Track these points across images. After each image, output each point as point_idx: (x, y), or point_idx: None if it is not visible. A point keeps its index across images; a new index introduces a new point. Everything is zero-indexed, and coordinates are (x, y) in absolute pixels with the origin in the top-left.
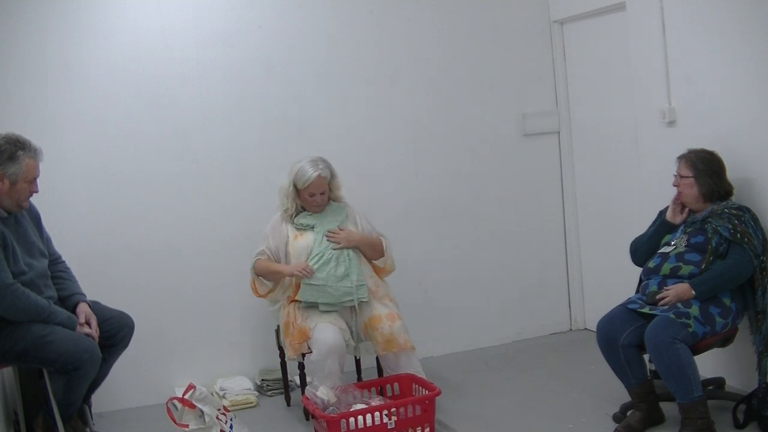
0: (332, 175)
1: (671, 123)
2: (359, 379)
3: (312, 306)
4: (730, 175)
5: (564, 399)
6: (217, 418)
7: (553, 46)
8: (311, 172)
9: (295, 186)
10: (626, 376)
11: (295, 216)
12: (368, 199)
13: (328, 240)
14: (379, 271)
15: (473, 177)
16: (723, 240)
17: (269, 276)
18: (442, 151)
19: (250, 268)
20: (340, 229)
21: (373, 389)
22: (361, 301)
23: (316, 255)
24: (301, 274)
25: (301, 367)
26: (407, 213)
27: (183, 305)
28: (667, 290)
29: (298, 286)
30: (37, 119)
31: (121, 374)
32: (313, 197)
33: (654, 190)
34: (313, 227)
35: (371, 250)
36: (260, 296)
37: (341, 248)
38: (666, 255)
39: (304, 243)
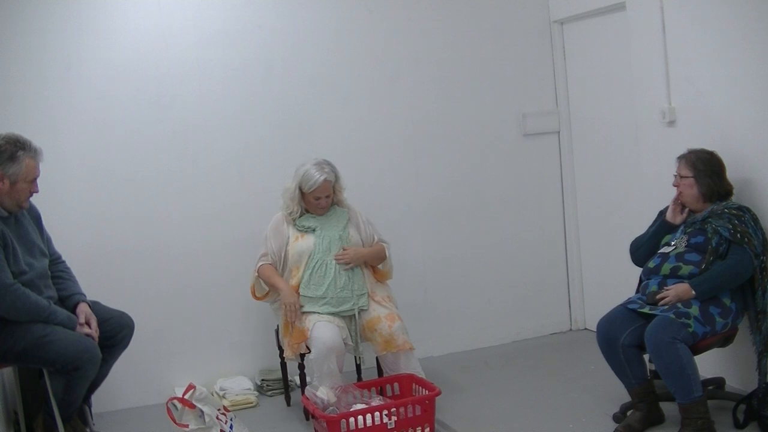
0: (336, 178)
1: (671, 123)
2: (359, 379)
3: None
4: (730, 175)
5: (564, 399)
6: (217, 418)
7: (553, 46)
8: (318, 176)
9: (300, 189)
10: (626, 376)
11: (298, 217)
12: (368, 199)
13: (337, 261)
14: (378, 275)
15: (473, 177)
16: (723, 240)
17: (268, 285)
18: (442, 151)
19: (254, 272)
20: (344, 249)
21: (373, 389)
22: (361, 309)
23: (317, 260)
24: (288, 317)
25: (301, 367)
26: (407, 213)
27: (183, 305)
28: (667, 290)
29: (296, 288)
30: (37, 119)
31: (121, 374)
32: (318, 200)
33: (654, 190)
34: (314, 230)
35: (376, 260)
36: (258, 299)
37: (351, 267)
38: (666, 255)
39: (304, 245)
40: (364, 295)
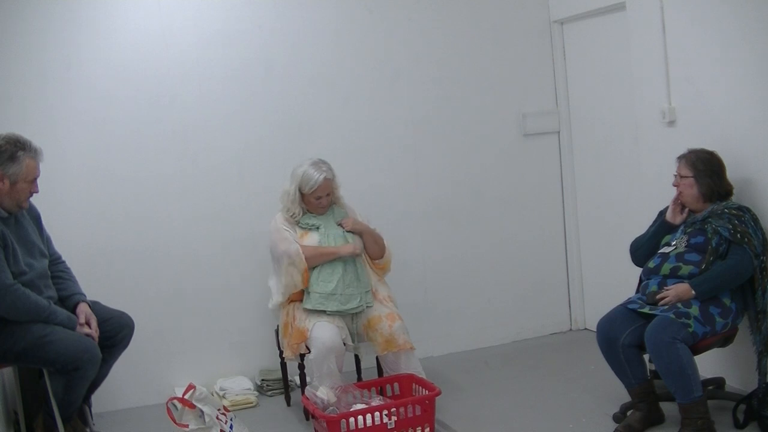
0: (333, 175)
1: (671, 123)
2: (359, 379)
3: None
4: (730, 175)
5: (564, 399)
6: (217, 418)
7: (553, 46)
8: (318, 176)
9: (300, 191)
10: (626, 376)
11: (301, 217)
12: (368, 199)
13: (342, 225)
14: (378, 269)
15: (473, 177)
16: (723, 240)
17: (320, 259)
18: (442, 151)
19: (298, 261)
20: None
21: (373, 389)
22: (368, 306)
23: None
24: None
25: (301, 367)
26: (407, 213)
27: (183, 305)
28: (667, 290)
29: (299, 290)
30: (37, 119)
31: (121, 374)
32: (319, 199)
33: (654, 190)
34: (318, 228)
35: (375, 244)
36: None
37: (350, 230)
38: (666, 255)
39: (309, 243)
40: (369, 293)
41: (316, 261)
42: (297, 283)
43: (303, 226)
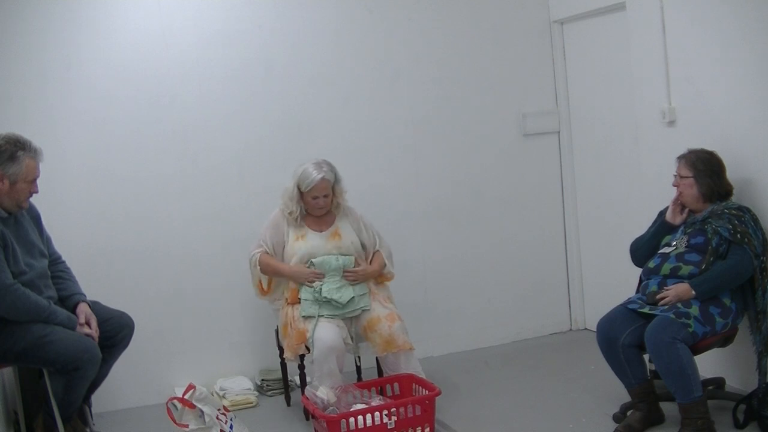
0: (336, 180)
1: (671, 123)
2: (359, 379)
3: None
4: (730, 175)
5: (564, 399)
6: (217, 418)
7: (553, 46)
8: (315, 175)
9: (298, 188)
10: (626, 376)
11: (299, 217)
12: (368, 199)
13: (346, 279)
14: (380, 277)
15: (473, 177)
16: (723, 240)
17: (271, 272)
18: (442, 151)
19: (255, 265)
20: (355, 270)
21: (373, 389)
22: (364, 310)
23: (319, 261)
24: (308, 285)
25: (301, 367)
26: (407, 213)
27: (183, 305)
28: (667, 290)
29: (296, 290)
30: (37, 119)
31: (121, 374)
32: (316, 200)
33: (654, 190)
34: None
35: (380, 269)
36: (265, 295)
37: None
38: (666, 255)
39: (305, 246)
40: (366, 295)
41: (268, 273)
42: (255, 288)
43: (300, 227)
